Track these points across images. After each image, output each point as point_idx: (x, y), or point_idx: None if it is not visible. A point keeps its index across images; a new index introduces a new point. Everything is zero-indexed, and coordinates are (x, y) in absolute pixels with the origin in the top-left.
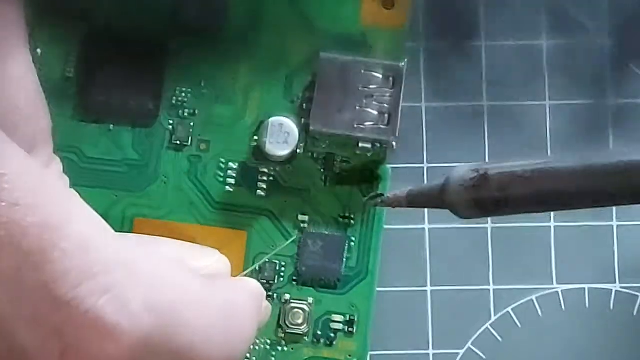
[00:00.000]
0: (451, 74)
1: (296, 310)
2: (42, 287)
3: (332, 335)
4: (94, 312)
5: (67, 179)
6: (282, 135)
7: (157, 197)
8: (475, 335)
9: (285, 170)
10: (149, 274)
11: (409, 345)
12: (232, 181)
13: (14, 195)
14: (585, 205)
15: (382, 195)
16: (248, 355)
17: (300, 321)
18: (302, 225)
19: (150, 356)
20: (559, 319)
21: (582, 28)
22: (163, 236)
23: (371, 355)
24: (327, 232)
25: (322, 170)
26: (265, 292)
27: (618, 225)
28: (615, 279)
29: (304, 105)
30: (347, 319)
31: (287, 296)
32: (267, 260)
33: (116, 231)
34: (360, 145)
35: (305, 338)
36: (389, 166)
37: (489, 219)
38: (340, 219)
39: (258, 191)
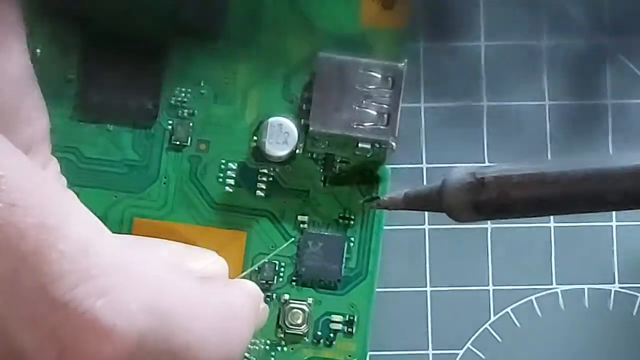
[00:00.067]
0: (451, 74)
1: (295, 310)
2: (39, 288)
3: (332, 335)
4: (91, 314)
5: (64, 179)
6: (282, 136)
7: (156, 198)
8: (475, 336)
9: (284, 171)
10: (146, 276)
11: (409, 345)
12: (232, 181)
13: (11, 196)
14: (582, 210)
15: (378, 198)
16: (247, 355)
17: (299, 321)
18: (301, 225)
19: (147, 357)
20: (559, 319)
21: (582, 28)
22: (162, 237)
23: (371, 356)
24: (326, 233)
25: (321, 170)
26: (262, 294)
27: (617, 226)
28: (614, 279)
29: (304, 105)
30: (347, 319)
31: (287, 296)
32: (267, 260)
33: (115, 232)
34: (360, 145)
35: (305, 338)
36: (388, 166)
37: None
38: (340, 220)
39: (257, 192)
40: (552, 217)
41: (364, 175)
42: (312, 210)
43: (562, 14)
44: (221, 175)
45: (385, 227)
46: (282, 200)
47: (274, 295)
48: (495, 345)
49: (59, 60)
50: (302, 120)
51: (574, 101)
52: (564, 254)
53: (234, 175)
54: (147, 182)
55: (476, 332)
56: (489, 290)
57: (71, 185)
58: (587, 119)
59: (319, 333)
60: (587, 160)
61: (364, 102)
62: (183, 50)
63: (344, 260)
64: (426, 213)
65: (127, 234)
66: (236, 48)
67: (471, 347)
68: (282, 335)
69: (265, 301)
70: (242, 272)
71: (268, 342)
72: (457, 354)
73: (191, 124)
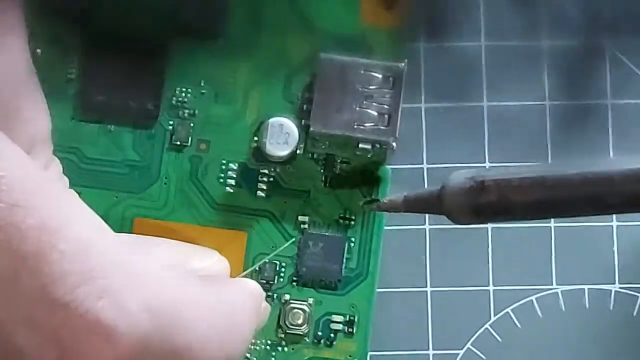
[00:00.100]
0: (451, 74)
1: (296, 310)
2: (40, 289)
3: (332, 335)
4: (92, 314)
5: (66, 179)
6: (282, 136)
7: (157, 198)
8: (475, 336)
9: (285, 171)
10: (147, 276)
11: (409, 345)
12: (232, 182)
13: (13, 196)
14: (582, 213)
15: (378, 200)
16: (248, 355)
17: (300, 321)
18: (302, 226)
19: (149, 358)
20: (559, 320)
21: (582, 28)
22: (163, 237)
23: (371, 356)
24: (327, 233)
25: (322, 171)
26: (264, 293)
27: (618, 226)
28: (614, 280)
29: (304, 105)
30: (347, 319)
31: (287, 296)
32: (267, 260)
33: (116, 232)
34: (360, 145)
35: (306, 338)
36: (389, 167)
37: None
38: (341, 220)
39: (258, 192)
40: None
41: (365, 175)
42: (313, 211)
43: (562, 14)
44: (222, 175)
45: (385, 228)
46: (283, 200)
47: (275, 295)
48: (496, 346)
49: (59, 60)
50: (303, 120)
51: (574, 101)
52: (564, 254)
53: (234, 176)
54: (147, 182)
55: (476, 332)
56: (489, 291)
57: (72, 185)
58: (587, 119)
59: (320, 333)
60: (587, 163)
61: (364, 102)
62: (183, 50)
63: (344, 260)
64: (426, 214)
65: (128, 233)
66: (237, 48)
67: (471, 348)
68: (282, 336)
69: (266, 301)
70: (242, 272)
71: (269, 342)
72: (458, 354)
73: (192, 124)
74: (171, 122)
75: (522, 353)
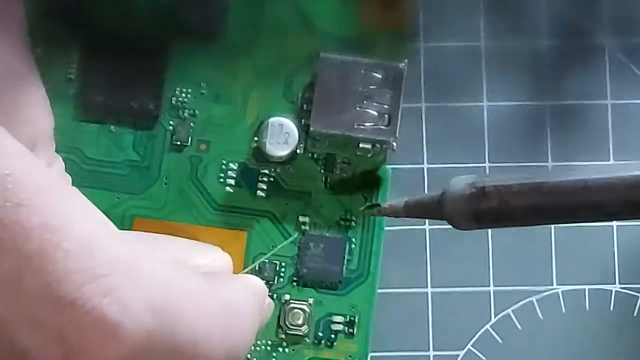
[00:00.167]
0: (451, 74)
1: (296, 310)
2: (44, 288)
3: (333, 336)
4: (97, 312)
5: (69, 178)
6: (282, 136)
7: (157, 198)
8: (476, 337)
9: (285, 171)
10: (151, 273)
11: (409, 346)
12: (233, 182)
13: (17, 195)
14: (582, 219)
15: (378, 205)
16: (249, 356)
17: (300, 322)
18: (302, 226)
19: (152, 355)
20: (559, 320)
21: (582, 28)
22: None
23: (371, 357)
24: (328, 234)
25: (322, 171)
26: (267, 289)
27: (618, 226)
28: (615, 280)
29: (304, 105)
30: (348, 320)
31: (287, 297)
32: (267, 260)
33: None
34: (361, 145)
35: (306, 339)
36: (389, 167)
37: None
38: (341, 221)
39: (258, 192)
40: None
41: (365, 175)
42: (314, 211)
43: (562, 15)
44: (222, 175)
45: (386, 228)
46: (283, 200)
47: (275, 295)
48: (496, 347)
49: (59, 60)
50: (303, 120)
51: (574, 101)
52: (564, 254)
53: (234, 176)
54: (148, 182)
55: (477, 333)
56: (489, 291)
57: (73, 185)
58: (587, 119)
59: (320, 334)
60: (587, 170)
61: (364, 102)
62: (183, 50)
63: (345, 261)
64: None
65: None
66: (237, 48)
67: (472, 348)
68: (283, 336)
69: None
70: (243, 271)
71: (269, 342)
72: (458, 355)
73: (192, 124)
74: (171, 123)
75: (523, 354)
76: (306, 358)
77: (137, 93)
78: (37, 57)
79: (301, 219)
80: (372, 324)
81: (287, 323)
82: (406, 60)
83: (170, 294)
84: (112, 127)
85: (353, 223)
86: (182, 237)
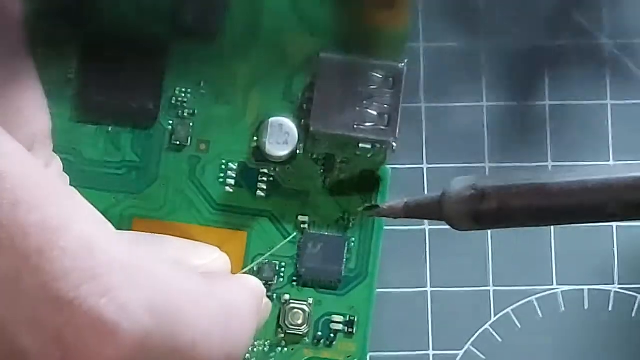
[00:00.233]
0: (451, 74)
1: (296, 310)
2: (42, 287)
3: (332, 336)
4: (95, 312)
5: (67, 177)
6: (282, 136)
7: (156, 199)
8: (475, 336)
9: (285, 171)
10: (150, 274)
11: (409, 345)
12: (232, 182)
13: (15, 194)
14: (583, 221)
15: (378, 206)
16: (248, 355)
17: (300, 322)
18: (302, 226)
19: (152, 356)
20: (559, 320)
21: (582, 29)
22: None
23: (371, 356)
24: (327, 234)
25: (322, 171)
26: (265, 290)
27: (617, 226)
28: (614, 280)
29: (304, 105)
30: (347, 319)
31: (287, 297)
32: (267, 260)
33: None
34: (361, 145)
35: (305, 339)
36: (389, 166)
37: None
38: (341, 220)
39: (258, 192)
40: None
41: (365, 175)
42: (313, 211)
43: (562, 15)
44: (221, 175)
45: (385, 227)
46: (283, 200)
47: (274, 295)
48: (496, 346)
49: (58, 60)
50: (303, 120)
51: (574, 101)
52: (564, 254)
53: (234, 176)
54: (147, 183)
55: (476, 332)
56: (489, 291)
57: (71, 185)
58: (587, 119)
59: (319, 333)
60: (587, 171)
61: (364, 102)
62: (183, 50)
63: (344, 261)
64: None
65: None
66: (237, 48)
67: (471, 348)
68: (282, 336)
69: None
70: (242, 270)
71: (268, 342)
72: (458, 354)
73: (191, 124)
74: (171, 122)
75: (522, 353)
76: (305, 358)
77: (137, 93)
78: (37, 57)
79: (300, 218)
80: (371, 324)
81: (287, 323)
82: (406, 60)
83: (169, 294)
84: (111, 127)
85: (352, 222)
86: (181, 237)
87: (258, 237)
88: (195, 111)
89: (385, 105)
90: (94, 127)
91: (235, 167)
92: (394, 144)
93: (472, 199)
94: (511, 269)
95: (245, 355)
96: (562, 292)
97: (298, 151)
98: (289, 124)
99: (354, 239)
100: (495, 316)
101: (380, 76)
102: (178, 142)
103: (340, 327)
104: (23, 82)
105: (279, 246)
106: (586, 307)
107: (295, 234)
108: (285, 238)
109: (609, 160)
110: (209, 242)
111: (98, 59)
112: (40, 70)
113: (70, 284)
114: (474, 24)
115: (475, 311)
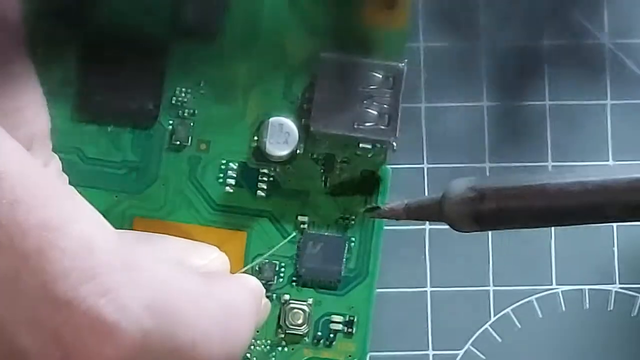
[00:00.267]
0: (451, 74)
1: (296, 310)
2: (42, 287)
3: (332, 336)
4: (94, 312)
5: (66, 177)
6: (282, 136)
7: (156, 199)
8: (475, 336)
9: (285, 171)
10: (149, 273)
11: (409, 345)
12: (232, 182)
13: (14, 193)
14: (583, 222)
15: (378, 208)
16: (248, 355)
17: (300, 322)
18: (302, 226)
19: (150, 355)
20: (559, 320)
21: (582, 28)
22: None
23: (371, 356)
24: (327, 234)
25: (322, 171)
26: (264, 289)
27: (618, 226)
28: (614, 280)
29: (304, 105)
30: (347, 319)
31: (287, 297)
32: (267, 260)
33: None
34: (361, 145)
35: (305, 339)
36: (389, 166)
37: None
38: (340, 220)
39: (258, 192)
40: None
41: (365, 175)
42: (313, 211)
43: (562, 15)
44: (221, 175)
45: (385, 227)
46: (283, 200)
47: (274, 295)
48: (496, 346)
49: (58, 60)
50: (303, 120)
51: (574, 101)
52: (564, 254)
53: (234, 176)
54: (147, 183)
55: (476, 332)
56: (489, 291)
57: (71, 185)
58: (586, 119)
59: (319, 333)
60: (587, 172)
61: (364, 102)
62: (183, 50)
63: (344, 261)
64: None
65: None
66: (236, 48)
67: (471, 348)
68: (282, 336)
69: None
70: (241, 270)
71: (268, 342)
72: (457, 354)
73: (192, 124)
74: (171, 122)
75: (522, 353)
76: (305, 358)
77: (137, 93)
78: (37, 57)
79: (300, 218)
80: (371, 324)
81: (287, 323)
82: (406, 60)
83: (169, 294)
84: (111, 127)
85: (352, 222)
86: (181, 237)
87: (258, 237)
88: (195, 111)
89: (385, 105)
90: (95, 127)
91: (235, 167)
92: (394, 144)
93: (472, 200)
94: (511, 269)
95: (244, 354)
96: (562, 292)
97: (298, 151)
98: (289, 124)
99: (353, 239)
100: (495, 316)
101: (380, 76)
102: (178, 142)
103: (340, 327)
104: (22, 82)
105: (278, 246)
106: (586, 307)
107: (294, 233)
108: (285, 238)
109: (608, 160)
110: (209, 242)
111: (98, 59)
112: (40, 70)
113: (69, 284)
114: (474, 24)
115: (475, 311)
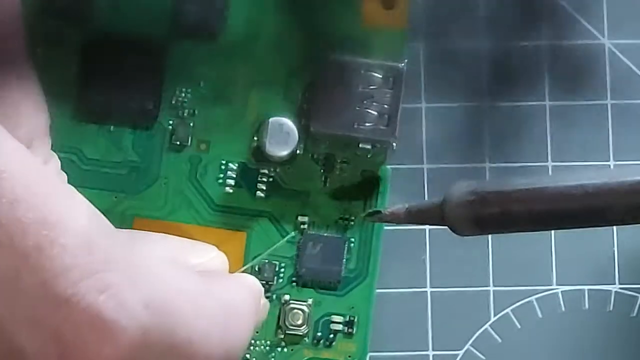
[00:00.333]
0: (451, 74)
1: (296, 311)
2: (41, 285)
3: (332, 336)
4: (93, 309)
5: (65, 176)
6: (282, 136)
7: (156, 199)
8: (475, 336)
9: (285, 171)
10: (148, 271)
11: (409, 346)
12: (232, 182)
13: (14, 191)
14: (583, 225)
15: (379, 212)
16: (248, 355)
17: (300, 322)
18: (302, 226)
19: (149, 353)
20: (559, 320)
21: (582, 28)
22: None
23: (371, 356)
24: (326, 234)
25: (322, 171)
26: (262, 289)
27: (617, 226)
28: (614, 280)
29: (304, 105)
30: (347, 320)
31: (287, 297)
32: (266, 260)
33: None
34: (360, 145)
35: (305, 339)
36: (389, 166)
37: None
38: (340, 220)
39: (258, 192)
40: None
41: (365, 175)
42: (313, 211)
43: (562, 15)
44: (221, 175)
45: (385, 228)
46: (283, 200)
47: (274, 295)
48: (496, 346)
49: (59, 60)
50: (303, 120)
51: (574, 101)
52: (564, 254)
53: (234, 176)
54: (147, 183)
55: (476, 332)
56: (489, 291)
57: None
58: (587, 119)
59: (319, 334)
60: (588, 175)
61: (364, 102)
62: (183, 50)
63: (344, 261)
64: None
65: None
66: (236, 48)
67: (471, 348)
68: (282, 336)
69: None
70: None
71: (268, 342)
72: (457, 354)
73: (192, 124)
74: (171, 122)
75: (522, 353)
76: (305, 358)
77: (137, 93)
78: (37, 57)
79: (300, 218)
80: (371, 324)
81: (286, 323)
82: (406, 60)
83: (168, 293)
84: (111, 127)
85: (352, 222)
86: (181, 237)
87: (258, 237)
88: (195, 111)
89: (385, 106)
90: (96, 127)
91: (235, 168)
92: (394, 144)
93: (473, 205)
94: (511, 269)
95: (244, 354)
96: (562, 292)
97: (298, 151)
98: (289, 124)
99: (353, 240)
100: (495, 316)
101: (380, 76)
102: (178, 142)
103: (340, 327)
104: (22, 81)
105: (277, 245)
106: (586, 307)
107: (294, 233)
108: (284, 238)
109: (609, 161)
110: (209, 242)
111: (98, 59)
112: (41, 70)
113: (68, 281)
114: (474, 24)
115: (475, 311)
